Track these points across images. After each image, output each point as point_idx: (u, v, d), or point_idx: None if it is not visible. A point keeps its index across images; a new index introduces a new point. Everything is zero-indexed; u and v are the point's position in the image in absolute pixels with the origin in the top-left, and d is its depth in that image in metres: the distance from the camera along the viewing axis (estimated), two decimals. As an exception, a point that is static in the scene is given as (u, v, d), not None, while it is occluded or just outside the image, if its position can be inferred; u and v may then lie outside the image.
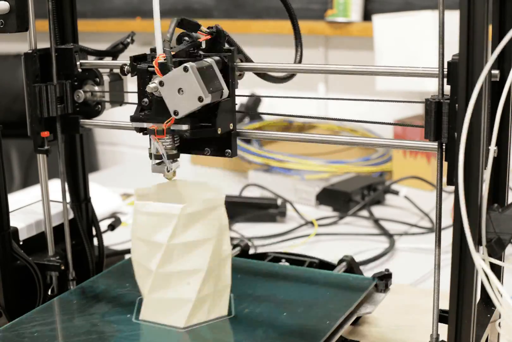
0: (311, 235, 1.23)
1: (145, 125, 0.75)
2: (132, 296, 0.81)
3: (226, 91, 0.73)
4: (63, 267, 0.87)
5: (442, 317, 0.68)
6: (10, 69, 2.26)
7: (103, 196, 1.39)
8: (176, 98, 0.71)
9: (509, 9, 0.66)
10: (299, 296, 0.82)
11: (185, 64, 0.69)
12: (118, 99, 0.87)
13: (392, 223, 1.31)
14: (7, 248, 0.81)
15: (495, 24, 0.67)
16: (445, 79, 0.64)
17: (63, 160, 0.89)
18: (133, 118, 0.76)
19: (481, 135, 0.58)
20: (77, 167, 0.92)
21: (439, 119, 0.64)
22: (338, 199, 1.40)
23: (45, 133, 0.84)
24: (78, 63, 0.85)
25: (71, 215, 0.91)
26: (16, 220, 0.85)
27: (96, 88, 0.85)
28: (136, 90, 0.76)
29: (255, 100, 1.74)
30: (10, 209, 0.83)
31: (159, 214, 0.74)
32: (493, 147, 0.60)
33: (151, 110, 0.75)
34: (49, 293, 0.87)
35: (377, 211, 1.39)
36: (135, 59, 0.76)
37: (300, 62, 0.81)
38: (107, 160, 2.41)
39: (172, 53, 0.72)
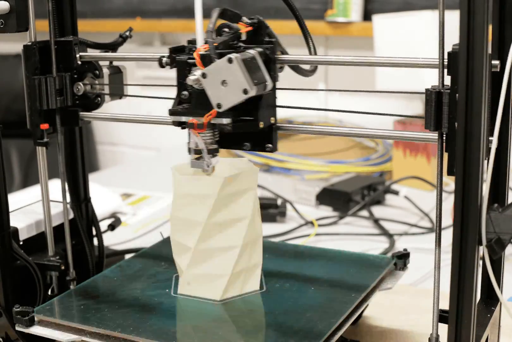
0: (311, 235, 1.23)
1: (184, 119, 0.72)
2: (168, 274, 0.86)
3: (270, 84, 0.70)
4: (63, 267, 0.87)
5: (442, 317, 0.68)
6: (10, 69, 2.26)
7: (103, 196, 1.39)
8: (219, 90, 0.68)
9: (509, 9, 0.66)
10: (325, 273, 0.86)
11: (229, 56, 0.66)
12: (117, 92, 0.86)
13: (392, 223, 1.31)
14: (7, 248, 0.81)
15: (495, 24, 0.67)
16: (446, 72, 0.64)
17: (63, 156, 0.88)
18: (172, 112, 0.73)
19: (482, 125, 0.58)
20: (77, 167, 0.92)
21: (440, 110, 0.64)
22: (338, 199, 1.40)
23: (45, 126, 0.83)
24: (77, 55, 0.84)
25: (71, 215, 0.91)
26: (16, 220, 0.85)
27: (96, 81, 0.85)
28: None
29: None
30: (10, 209, 0.83)
31: (198, 194, 0.76)
32: (495, 139, 0.60)
33: (191, 103, 0.72)
34: (49, 293, 0.87)
35: (377, 211, 1.39)
36: (174, 50, 0.74)
37: (316, 54, 0.81)
38: (107, 160, 2.41)
39: (214, 44, 0.69)
